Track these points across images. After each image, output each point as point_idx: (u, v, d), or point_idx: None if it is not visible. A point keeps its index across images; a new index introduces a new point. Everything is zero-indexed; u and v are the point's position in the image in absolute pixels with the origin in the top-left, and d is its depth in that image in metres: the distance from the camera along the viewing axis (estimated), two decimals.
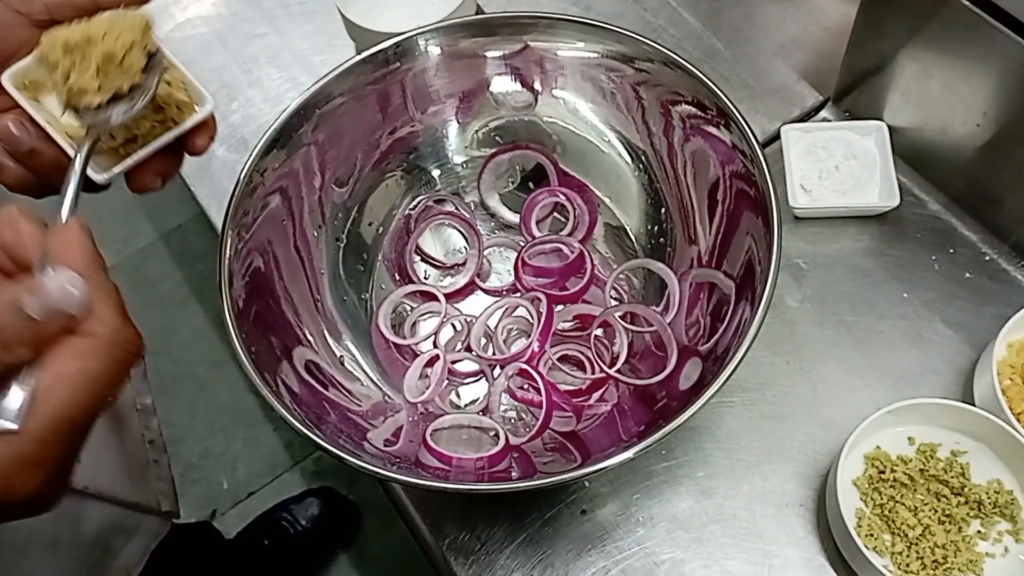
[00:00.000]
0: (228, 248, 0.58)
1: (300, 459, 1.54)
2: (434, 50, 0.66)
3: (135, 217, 1.84)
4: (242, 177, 0.59)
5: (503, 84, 0.68)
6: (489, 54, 0.67)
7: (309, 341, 0.63)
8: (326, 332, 0.65)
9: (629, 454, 0.51)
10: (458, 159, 0.72)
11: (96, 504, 0.60)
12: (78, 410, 0.32)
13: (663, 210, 0.68)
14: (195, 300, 1.74)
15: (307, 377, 0.60)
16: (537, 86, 0.68)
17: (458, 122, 0.70)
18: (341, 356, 0.65)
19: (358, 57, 0.64)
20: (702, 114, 0.62)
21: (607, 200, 0.71)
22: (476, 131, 0.71)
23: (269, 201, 0.61)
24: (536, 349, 0.65)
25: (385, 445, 0.61)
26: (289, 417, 0.53)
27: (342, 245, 0.69)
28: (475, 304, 0.71)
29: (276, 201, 0.62)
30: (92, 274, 0.34)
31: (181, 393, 1.63)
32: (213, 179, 0.81)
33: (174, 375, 1.65)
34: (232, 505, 1.52)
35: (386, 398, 0.66)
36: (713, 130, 0.62)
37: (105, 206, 1.83)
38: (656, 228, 0.69)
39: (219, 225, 0.77)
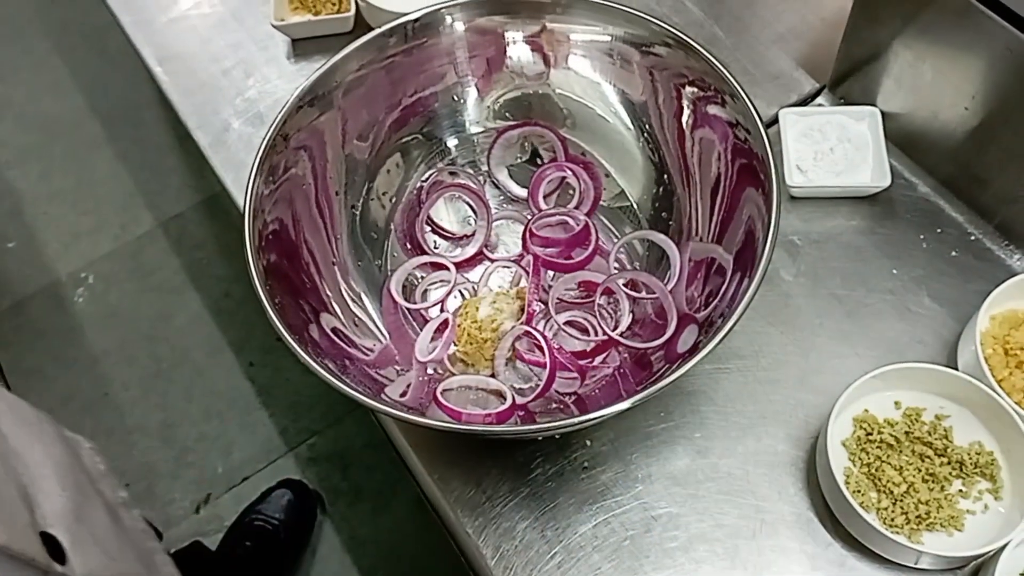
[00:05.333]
0: (253, 199, 0.60)
1: (295, 445, 1.55)
2: (458, 26, 0.69)
3: (134, 204, 1.86)
4: (271, 131, 0.62)
5: (520, 54, 0.72)
6: (508, 34, 0.71)
7: (332, 303, 0.66)
8: (344, 291, 0.68)
9: (626, 404, 0.54)
10: (474, 129, 0.76)
11: None
12: None
13: (667, 184, 0.72)
14: (193, 287, 1.75)
15: (333, 337, 0.63)
16: (552, 59, 0.72)
17: (477, 90, 0.74)
18: (358, 315, 0.68)
19: (379, 30, 0.67)
20: (705, 92, 0.66)
21: (613, 172, 0.74)
22: (493, 102, 0.74)
23: (295, 157, 0.64)
24: (531, 292, 0.69)
25: (400, 398, 0.64)
26: (317, 367, 0.55)
27: (357, 213, 0.72)
28: (483, 274, 0.74)
29: (302, 158, 0.65)
30: None
31: (177, 378, 1.65)
32: (230, 151, 0.84)
33: (171, 360, 1.67)
34: (227, 489, 1.53)
35: (396, 358, 0.69)
36: (716, 108, 0.65)
37: (104, 193, 1.86)
38: (659, 201, 0.72)
39: (236, 195, 0.80)
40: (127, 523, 0.73)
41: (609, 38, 0.69)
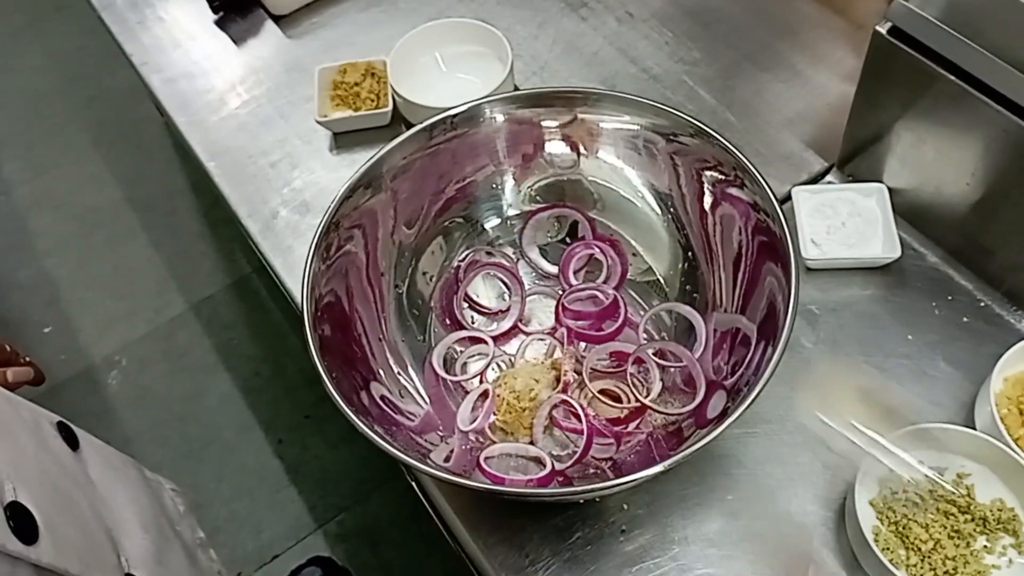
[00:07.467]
0: (311, 273, 0.67)
1: (324, 522, 1.57)
2: (498, 117, 0.76)
3: (167, 288, 1.93)
4: (326, 217, 0.68)
5: (554, 147, 0.78)
6: (544, 123, 0.77)
7: (379, 371, 0.70)
8: (391, 363, 0.72)
9: (659, 467, 0.58)
10: (511, 212, 0.81)
11: None
12: None
13: (691, 260, 0.77)
14: (223, 367, 1.80)
15: (382, 405, 0.67)
16: (583, 149, 0.78)
17: (514, 179, 0.80)
18: (404, 385, 0.72)
19: (422, 124, 0.74)
20: (726, 176, 0.71)
21: (640, 250, 0.79)
22: (528, 187, 0.80)
23: (348, 235, 0.71)
24: (565, 363, 0.73)
25: (444, 463, 0.67)
26: (371, 433, 0.60)
27: (402, 292, 0.77)
28: (519, 346, 0.79)
29: (355, 235, 0.71)
30: None
31: (208, 458, 1.68)
32: (278, 237, 0.90)
33: (202, 440, 1.70)
34: (257, 567, 1.55)
35: (439, 425, 0.73)
36: (736, 191, 0.71)
37: (139, 278, 1.93)
38: (684, 276, 0.77)
39: (285, 277, 0.86)
40: (203, 564, 0.77)
41: (636, 127, 0.75)
